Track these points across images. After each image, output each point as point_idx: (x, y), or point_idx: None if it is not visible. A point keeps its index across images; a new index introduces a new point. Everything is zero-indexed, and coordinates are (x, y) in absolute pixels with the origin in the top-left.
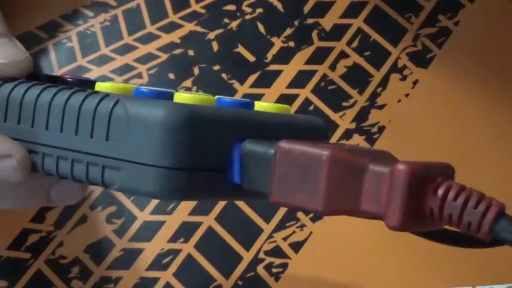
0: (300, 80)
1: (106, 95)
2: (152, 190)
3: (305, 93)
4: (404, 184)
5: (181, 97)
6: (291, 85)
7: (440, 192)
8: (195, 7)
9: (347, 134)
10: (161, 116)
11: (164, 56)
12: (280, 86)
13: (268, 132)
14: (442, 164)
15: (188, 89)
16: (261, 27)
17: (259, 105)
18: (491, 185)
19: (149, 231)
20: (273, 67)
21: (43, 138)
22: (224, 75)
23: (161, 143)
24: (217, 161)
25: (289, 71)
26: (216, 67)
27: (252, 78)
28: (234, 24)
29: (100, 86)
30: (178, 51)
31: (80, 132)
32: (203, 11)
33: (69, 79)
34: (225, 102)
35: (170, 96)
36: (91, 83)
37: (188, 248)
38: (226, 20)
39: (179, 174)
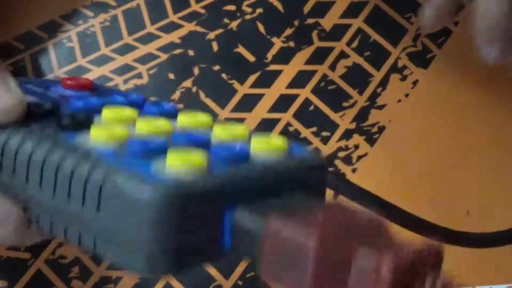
0: (300, 80)
1: (98, 161)
2: (141, 269)
3: (305, 93)
4: (388, 282)
5: (172, 160)
6: (291, 85)
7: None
8: (195, 7)
9: (347, 134)
10: (148, 199)
11: (164, 56)
12: (280, 86)
13: (261, 192)
14: (430, 249)
15: (188, 91)
16: (261, 27)
17: (256, 148)
18: (491, 185)
19: None
20: (273, 67)
21: (37, 197)
22: (224, 75)
23: (148, 224)
24: (207, 233)
25: (289, 71)
26: (216, 67)
27: (252, 78)
28: (234, 24)
29: (95, 131)
30: (178, 51)
31: (72, 197)
32: (203, 11)
33: (71, 113)
34: (219, 159)
35: (163, 149)
36: (97, 109)
37: None
38: (226, 20)
39: (168, 254)
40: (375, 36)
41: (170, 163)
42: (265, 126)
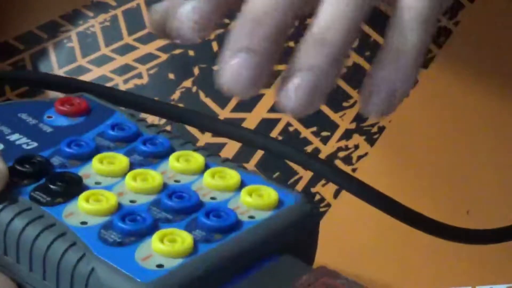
0: None
1: (84, 248)
2: None
3: None
4: None
5: (157, 248)
6: None
7: None
8: None
9: (347, 134)
10: None
11: (164, 56)
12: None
13: (249, 260)
14: None
15: (188, 91)
16: None
17: (247, 206)
18: (491, 185)
19: None
20: None
21: (29, 279)
22: None
23: None
24: None
25: None
26: (216, 67)
27: None
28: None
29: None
30: (178, 51)
31: (61, 285)
32: None
33: (59, 180)
34: (208, 230)
35: (149, 228)
36: (87, 158)
37: None
38: (226, 20)
39: None
40: (375, 36)
41: (155, 249)
42: (265, 126)
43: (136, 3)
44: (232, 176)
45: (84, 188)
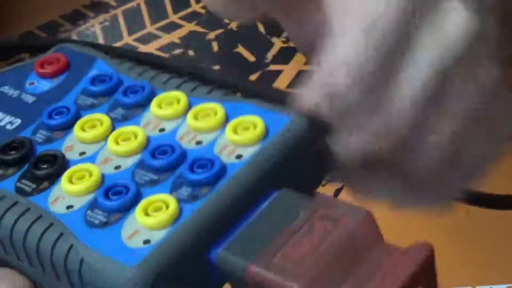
0: (300, 80)
1: (71, 246)
2: None
3: None
4: None
5: (143, 222)
6: (291, 85)
7: None
8: (195, 7)
9: None
10: (127, 283)
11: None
12: (280, 86)
13: (243, 205)
14: (422, 265)
15: None
16: (261, 27)
17: (232, 143)
18: (491, 185)
19: None
20: (273, 67)
21: (34, 275)
22: None
23: None
24: (195, 280)
25: (289, 71)
26: (216, 67)
27: (252, 78)
28: (234, 24)
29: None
30: (178, 51)
31: (58, 276)
32: (203, 11)
33: (40, 162)
34: (192, 184)
35: (132, 201)
36: (70, 124)
37: None
38: (226, 20)
39: None
40: None
41: (139, 223)
42: None
43: (136, 3)
44: (216, 111)
45: (68, 164)
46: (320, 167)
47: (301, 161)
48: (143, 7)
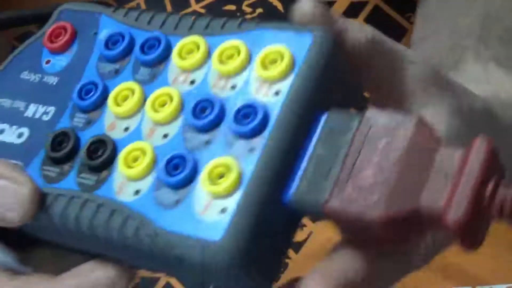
0: None
1: (154, 233)
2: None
3: None
4: (483, 159)
5: (209, 194)
6: None
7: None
8: (195, 7)
9: None
10: (219, 263)
11: None
12: None
13: (299, 140)
14: (491, 163)
15: None
16: None
17: (265, 81)
18: None
19: None
20: None
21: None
22: None
23: (230, 277)
24: (277, 232)
25: None
26: None
27: None
28: None
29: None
30: None
31: (142, 261)
32: (203, 11)
33: (89, 156)
34: (242, 137)
35: (193, 171)
36: (102, 100)
37: None
38: None
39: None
40: None
41: (209, 194)
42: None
43: (136, 3)
44: (239, 49)
45: (117, 145)
46: (355, 76)
47: (336, 75)
48: (143, 7)
